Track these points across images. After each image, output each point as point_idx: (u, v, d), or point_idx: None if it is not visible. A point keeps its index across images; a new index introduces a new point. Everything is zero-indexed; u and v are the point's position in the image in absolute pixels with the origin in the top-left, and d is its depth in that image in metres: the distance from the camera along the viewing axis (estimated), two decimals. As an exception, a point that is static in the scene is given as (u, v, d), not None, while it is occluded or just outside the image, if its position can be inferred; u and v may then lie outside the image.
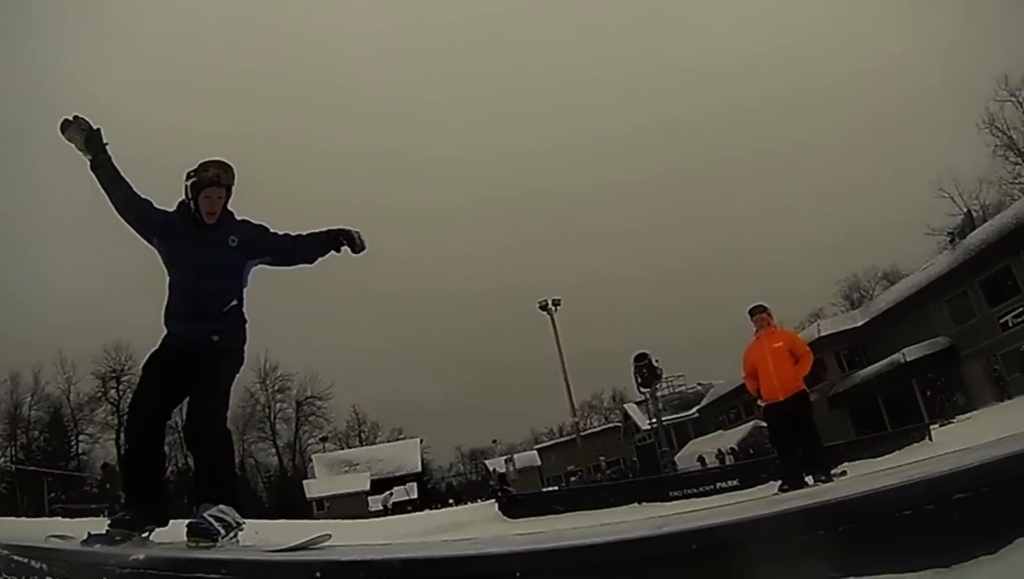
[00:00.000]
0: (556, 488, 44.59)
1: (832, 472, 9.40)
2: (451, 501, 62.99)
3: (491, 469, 63.00)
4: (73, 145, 4.28)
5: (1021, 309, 34.68)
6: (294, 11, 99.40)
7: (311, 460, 68.77)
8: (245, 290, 4.48)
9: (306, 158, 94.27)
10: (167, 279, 4.36)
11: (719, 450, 41.00)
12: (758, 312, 9.33)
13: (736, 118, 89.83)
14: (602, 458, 60.32)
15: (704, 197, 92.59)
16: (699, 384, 56.37)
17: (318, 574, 2.63)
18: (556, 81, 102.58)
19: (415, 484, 63.78)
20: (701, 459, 39.70)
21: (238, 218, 4.44)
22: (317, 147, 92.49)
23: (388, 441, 72.10)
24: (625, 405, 66.43)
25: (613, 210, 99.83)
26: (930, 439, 17.63)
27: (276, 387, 71.66)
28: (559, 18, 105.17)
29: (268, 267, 4.60)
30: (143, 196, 4.34)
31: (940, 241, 46.77)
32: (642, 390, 33.20)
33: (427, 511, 43.71)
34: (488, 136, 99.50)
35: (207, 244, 4.29)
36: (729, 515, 2.71)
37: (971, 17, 70.19)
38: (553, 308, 39.05)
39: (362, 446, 72.48)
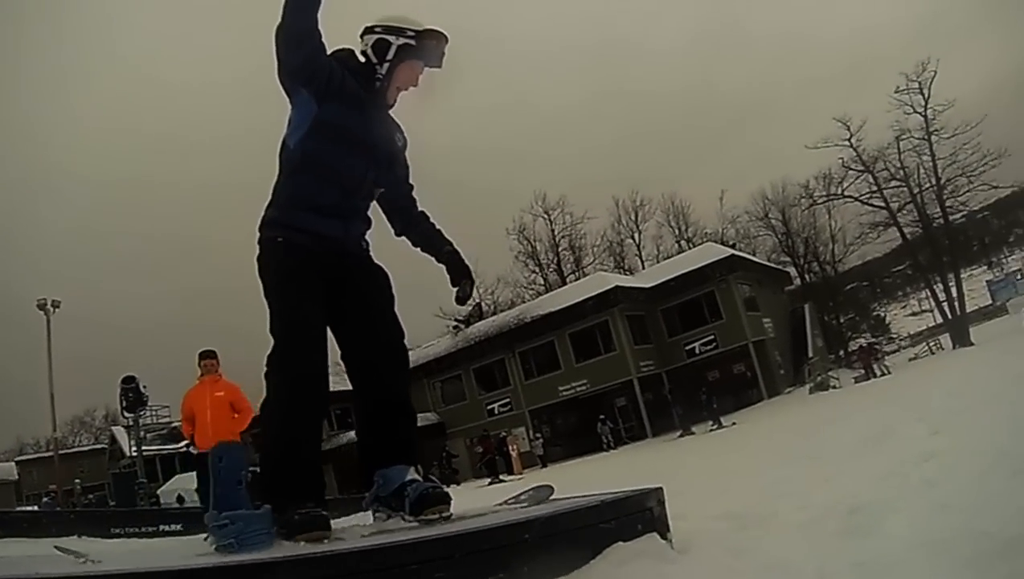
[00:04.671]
0: (36, 507, 39.97)
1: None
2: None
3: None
4: None
5: (508, 399, 38.65)
6: None
7: None
8: None
9: None
10: (298, 155, 3.06)
11: (206, 489, 39.18)
12: (207, 357, 8.95)
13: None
14: (78, 481, 55.18)
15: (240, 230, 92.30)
16: (192, 417, 54.37)
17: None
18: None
19: None
20: (180, 498, 37.88)
21: None
22: None
23: None
24: (114, 428, 61.91)
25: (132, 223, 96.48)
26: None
27: None
28: None
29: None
30: None
31: (448, 325, 49.62)
32: (126, 414, 31.28)
33: None
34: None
35: (389, 126, 3.27)
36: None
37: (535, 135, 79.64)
38: (52, 309, 35.07)
39: None
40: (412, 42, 3.15)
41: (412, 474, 3.05)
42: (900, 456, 3.96)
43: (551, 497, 3.41)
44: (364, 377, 3.15)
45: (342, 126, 3.06)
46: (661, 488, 3.05)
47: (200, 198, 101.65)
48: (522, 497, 3.50)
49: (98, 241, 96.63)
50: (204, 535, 8.99)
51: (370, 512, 3.21)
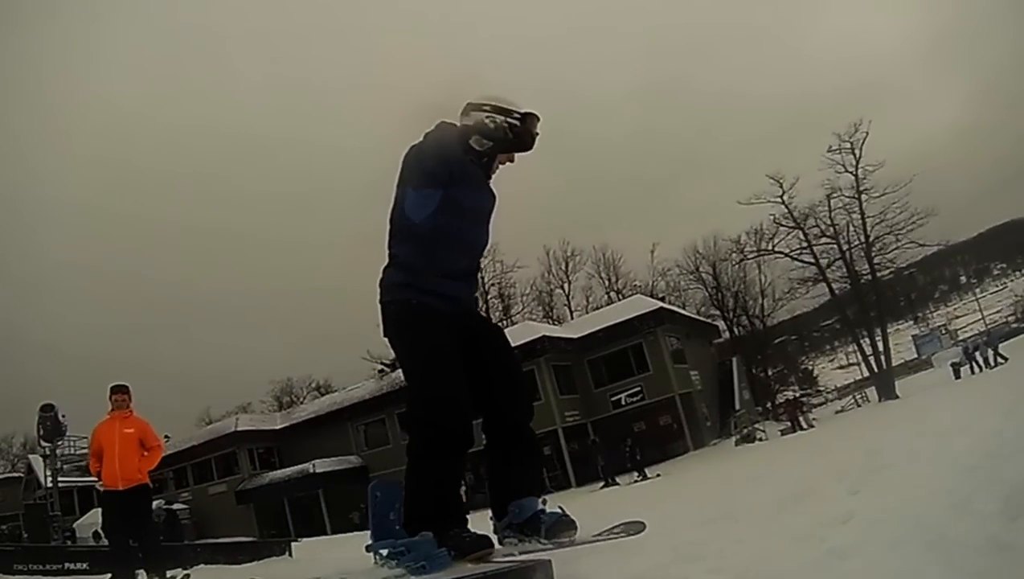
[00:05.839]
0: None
1: (170, 573, 8.99)
2: None
3: None
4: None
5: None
6: None
7: None
8: None
9: None
10: (428, 231, 3.35)
11: (122, 522, 37.87)
12: (118, 391, 8.66)
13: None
14: (-11, 510, 53.21)
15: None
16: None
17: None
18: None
19: None
20: (97, 533, 36.64)
21: None
22: None
23: None
24: (31, 456, 59.87)
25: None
26: (290, 555, 18.07)
27: None
28: None
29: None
30: None
31: (374, 368, 49.47)
32: (43, 444, 30.37)
33: None
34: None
35: (494, 199, 3.62)
36: None
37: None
38: (-27, 331, 34.01)
39: None
40: (517, 123, 3.47)
41: (540, 504, 3.38)
42: (817, 517, 3.90)
43: (640, 532, 3.54)
44: (497, 420, 3.45)
45: (468, 205, 3.43)
46: (550, 561, 2.99)
47: (149, 234, 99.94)
48: (616, 529, 3.59)
49: (38, 262, 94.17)
50: (108, 575, 8.61)
51: (496, 538, 3.39)
